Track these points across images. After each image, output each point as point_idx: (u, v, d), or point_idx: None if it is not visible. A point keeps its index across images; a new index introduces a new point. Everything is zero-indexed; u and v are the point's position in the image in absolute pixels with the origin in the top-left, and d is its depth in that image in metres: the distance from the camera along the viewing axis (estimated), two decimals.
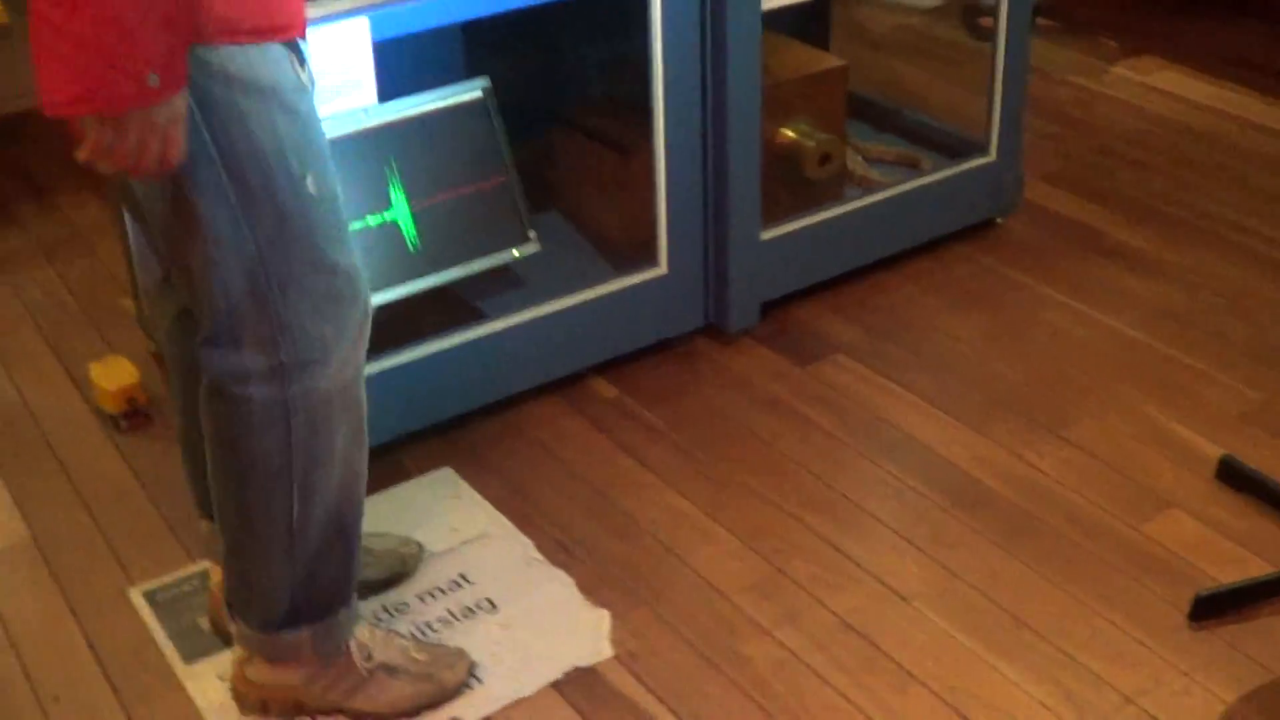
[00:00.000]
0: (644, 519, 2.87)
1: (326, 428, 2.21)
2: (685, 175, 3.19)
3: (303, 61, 2.08)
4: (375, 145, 3.07)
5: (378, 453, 2.88)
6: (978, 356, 3.30)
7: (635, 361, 3.31)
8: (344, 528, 2.33)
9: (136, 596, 2.76)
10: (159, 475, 3.05)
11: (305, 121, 2.07)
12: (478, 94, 3.18)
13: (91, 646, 2.65)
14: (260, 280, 2.08)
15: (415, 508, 2.94)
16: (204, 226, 2.04)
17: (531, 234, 3.24)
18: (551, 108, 3.64)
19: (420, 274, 3.12)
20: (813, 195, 3.50)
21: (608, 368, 3.29)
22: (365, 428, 2.31)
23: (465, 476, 3.01)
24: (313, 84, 2.13)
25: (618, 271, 3.31)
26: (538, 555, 2.80)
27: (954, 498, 2.87)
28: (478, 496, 2.96)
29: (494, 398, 3.17)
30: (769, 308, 3.43)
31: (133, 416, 3.24)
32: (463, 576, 2.77)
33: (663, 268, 3.25)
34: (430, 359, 3.04)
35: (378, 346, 2.82)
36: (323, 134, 2.11)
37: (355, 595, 2.42)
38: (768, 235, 3.33)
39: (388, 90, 3.01)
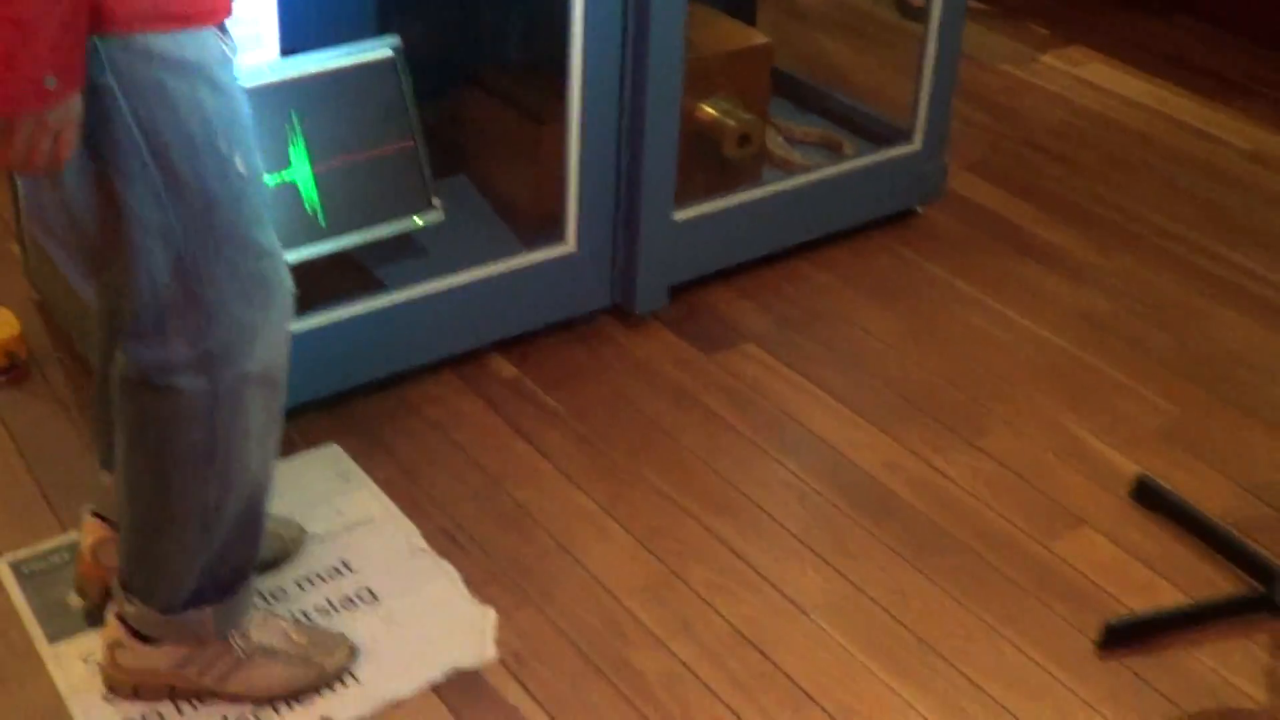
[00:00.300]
0: (537, 511, 2.75)
1: (249, 412, 2.13)
2: (598, 149, 3.06)
3: (225, 30, 1.98)
4: (276, 101, 2.92)
5: None
6: (891, 354, 3.19)
7: (536, 341, 3.19)
8: (254, 507, 2.25)
9: (2, 567, 2.61)
10: (35, 436, 2.90)
11: (231, 96, 1.96)
12: (387, 53, 3.04)
13: None
14: (188, 267, 1.98)
15: (299, 485, 2.81)
16: (128, 213, 1.94)
17: (436, 202, 3.10)
18: (465, 67, 3.49)
19: (318, 238, 2.98)
20: (730, 176, 3.38)
21: (508, 345, 3.17)
22: (282, 408, 2.23)
23: (353, 454, 2.88)
24: (235, 52, 2.02)
25: (524, 245, 3.19)
26: (424, 545, 2.67)
27: (860, 504, 2.77)
28: (365, 477, 2.82)
29: (388, 372, 3.03)
30: (678, 291, 3.31)
31: (11, 371, 3.08)
32: (344, 563, 2.64)
33: (570, 245, 3.12)
34: (325, 329, 2.90)
35: None
36: (247, 106, 2.00)
37: (254, 575, 2.33)
38: (680, 216, 3.20)
39: (292, 43, 2.86)
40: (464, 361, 3.11)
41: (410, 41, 3.04)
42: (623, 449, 2.90)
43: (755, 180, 3.42)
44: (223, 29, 1.97)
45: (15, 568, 2.62)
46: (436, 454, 2.88)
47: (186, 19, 1.87)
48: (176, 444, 2.10)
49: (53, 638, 2.48)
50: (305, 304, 2.88)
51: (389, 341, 2.99)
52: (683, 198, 3.20)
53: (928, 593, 2.58)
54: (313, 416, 2.94)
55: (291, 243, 2.89)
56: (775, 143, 3.60)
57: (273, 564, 2.61)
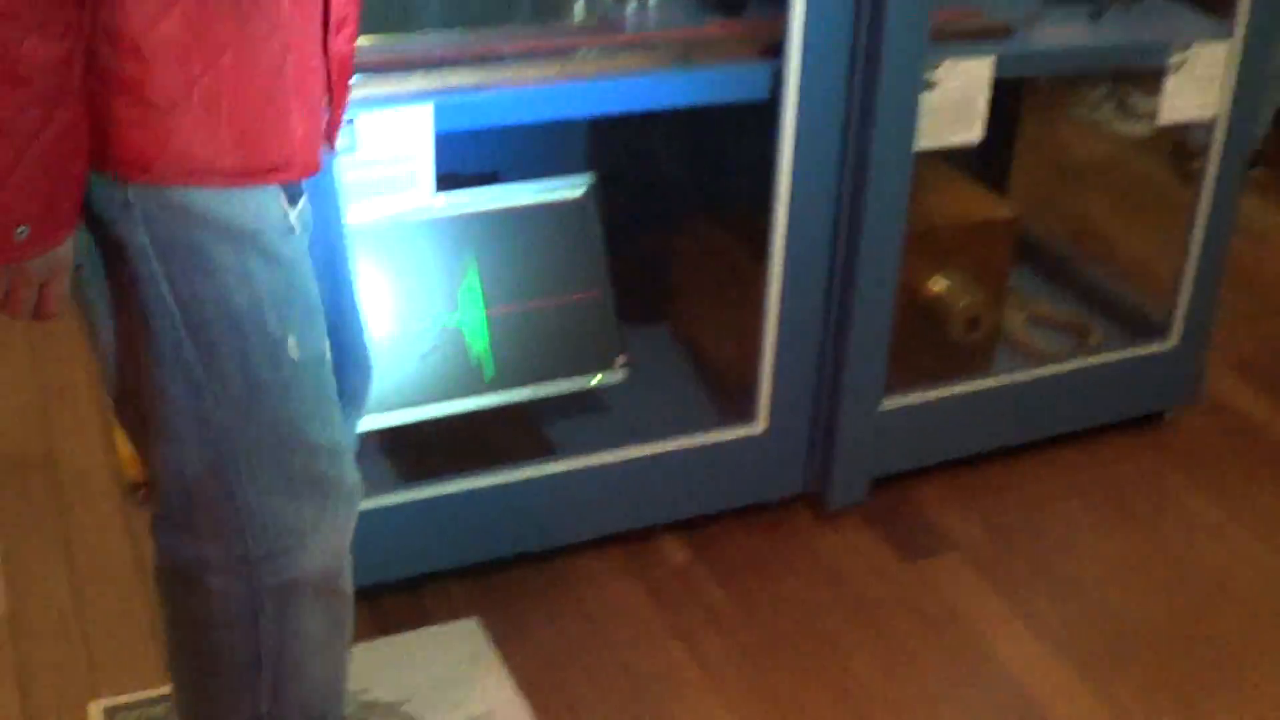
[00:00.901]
0: None
1: (302, 620, 1.85)
2: (800, 321, 2.74)
3: (297, 194, 1.68)
4: (452, 236, 2.68)
5: (398, 588, 2.58)
6: (1114, 585, 2.78)
7: (716, 524, 2.87)
8: None
9: (97, 712, 2.40)
10: None
11: (290, 269, 1.66)
12: (581, 191, 2.77)
13: None
14: (223, 460, 1.70)
15: (424, 662, 2.54)
16: (157, 392, 1.67)
17: (620, 360, 2.82)
18: (681, 208, 3.19)
19: (481, 391, 2.72)
20: (954, 360, 3.01)
21: (683, 526, 2.85)
22: (350, 617, 1.95)
23: (492, 634, 2.60)
24: (308, 224, 1.73)
25: (716, 410, 2.91)
26: None
27: None
28: (497, 664, 2.53)
29: (547, 544, 2.74)
30: (880, 483, 2.95)
31: (149, 489, 2.86)
32: None
33: (760, 425, 2.79)
34: (483, 491, 2.64)
35: (425, 469, 2.57)
36: (311, 282, 1.71)
37: None
38: (890, 404, 2.85)
39: (487, 165, 2.60)
40: (633, 539, 2.80)
41: (627, 171, 2.82)
42: (788, 668, 2.56)
43: (984, 369, 3.05)
44: (293, 195, 1.68)
45: (110, 714, 2.40)
46: (582, 646, 2.58)
47: (245, 175, 1.59)
48: (212, 647, 1.84)
49: None
50: (462, 461, 2.66)
51: (551, 511, 2.71)
52: (898, 379, 2.86)
53: None
54: (456, 585, 2.69)
55: (451, 393, 2.66)
56: (1015, 321, 3.23)
57: None
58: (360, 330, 1.96)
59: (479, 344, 2.71)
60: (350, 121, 2.28)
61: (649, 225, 3.13)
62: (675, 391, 3.01)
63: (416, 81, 2.31)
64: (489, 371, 2.73)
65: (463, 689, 2.49)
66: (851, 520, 2.90)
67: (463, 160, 2.83)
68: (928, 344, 2.99)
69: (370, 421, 2.64)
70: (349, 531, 1.85)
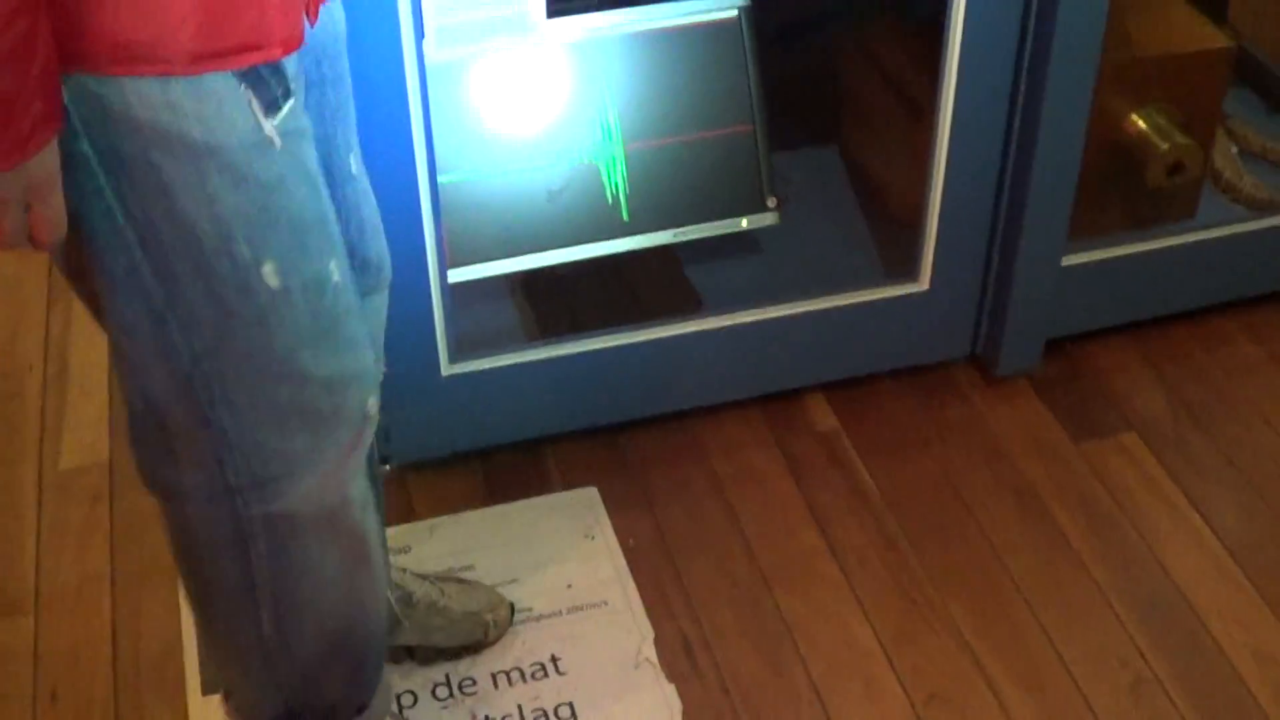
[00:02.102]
0: (803, 635, 2.22)
1: (303, 554, 1.65)
2: (974, 163, 2.43)
3: (278, 98, 1.38)
4: (587, 64, 2.43)
5: (518, 450, 2.44)
6: None
7: (871, 386, 2.62)
8: (348, 648, 1.80)
9: None
10: None
11: (267, 190, 1.39)
12: (732, 13, 2.51)
13: (114, 631, 2.21)
14: (195, 390, 1.48)
15: (535, 537, 2.38)
16: (117, 320, 1.45)
17: (771, 201, 2.57)
18: (848, 22, 2.87)
19: (617, 234, 2.51)
20: (1150, 209, 2.69)
21: (834, 387, 2.60)
22: (373, 554, 1.75)
23: (611, 507, 2.41)
24: (305, 130, 1.43)
25: (879, 247, 2.69)
26: (653, 656, 2.19)
27: (1207, 710, 2.12)
28: (613, 540, 2.37)
29: (681, 406, 2.53)
30: (1056, 346, 2.66)
31: None
32: (554, 660, 2.20)
33: (923, 284, 2.52)
34: (618, 350, 2.43)
35: (555, 322, 2.46)
36: (303, 199, 1.43)
37: (377, 698, 1.88)
38: (1073, 259, 2.55)
39: None
40: (778, 400, 2.57)
41: None
42: (933, 563, 2.33)
43: (1185, 216, 2.72)
44: (273, 97, 1.37)
45: None
46: (707, 526, 2.39)
47: (204, 59, 1.30)
48: (201, 571, 1.68)
49: (209, 685, 2.14)
50: (598, 314, 2.49)
51: (690, 369, 2.51)
52: (1083, 229, 2.55)
53: None
54: (581, 449, 2.50)
55: (585, 236, 2.45)
56: (1224, 154, 2.88)
57: (469, 650, 2.19)
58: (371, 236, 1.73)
59: (616, 182, 2.48)
60: None
61: (813, 39, 2.83)
62: (834, 234, 2.74)
63: None
64: (626, 213, 2.50)
65: (576, 571, 2.33)
66: (1020, 388, 2.63)
67: None
68: (1120, 191, 2.67)
69: (495, 266, 2.46)
70: (354, 466, 1.62)
